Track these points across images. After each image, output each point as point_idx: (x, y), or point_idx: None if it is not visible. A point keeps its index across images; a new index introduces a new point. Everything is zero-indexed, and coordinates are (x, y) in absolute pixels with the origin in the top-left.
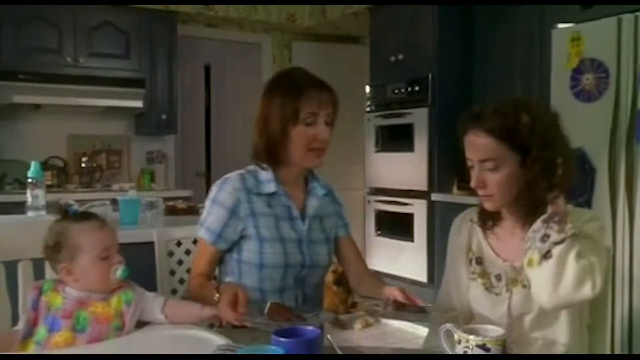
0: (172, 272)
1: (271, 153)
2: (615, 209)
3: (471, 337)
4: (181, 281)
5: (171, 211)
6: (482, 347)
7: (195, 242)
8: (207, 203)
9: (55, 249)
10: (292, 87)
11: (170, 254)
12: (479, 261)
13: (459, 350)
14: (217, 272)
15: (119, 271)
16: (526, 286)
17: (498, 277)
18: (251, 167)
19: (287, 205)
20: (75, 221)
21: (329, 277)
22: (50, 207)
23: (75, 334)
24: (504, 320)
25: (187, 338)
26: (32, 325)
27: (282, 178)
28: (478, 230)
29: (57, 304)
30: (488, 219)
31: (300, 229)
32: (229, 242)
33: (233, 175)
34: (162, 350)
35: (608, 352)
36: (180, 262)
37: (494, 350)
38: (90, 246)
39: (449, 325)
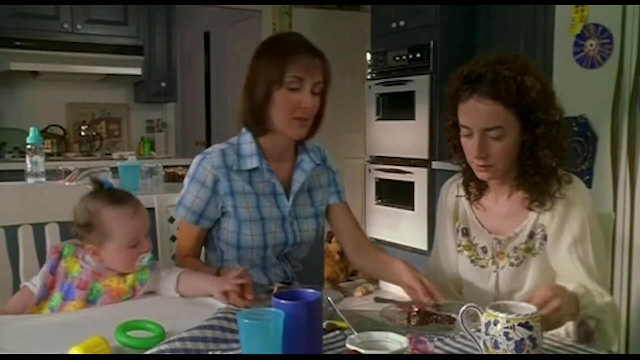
0: (173, 238)
1: (256, 118)
2: (616, 177)
3: (511, 316)
4: None
5: (171, 178)
6: (525, 325)
7: None
8: (186, 180)
9: (85, 228)
10: (280, 49)
11: (171, 219)
12: (465, 232)
13: (497, 332)
14: None
15: (146, 260)
16: (514, 264)
17: (484, 249)
18: (234, 140)
19: (271, 181)
20: (109, 203)
21: (334, 246)
22: (85, 176)
23: (87, 304)
24: (491, 295)
25: (189, 302)
26: (49, 289)
27: (268, 150)
28: (464, 198)
29: (74, 272)
30: (473, 190)
31: (284, 205)
32: (212, 220)
33: (213, 150)
34: (164, 313)
35: None
36: None
37: (536, 327)
38: (121, 235)
39: (471, 306)
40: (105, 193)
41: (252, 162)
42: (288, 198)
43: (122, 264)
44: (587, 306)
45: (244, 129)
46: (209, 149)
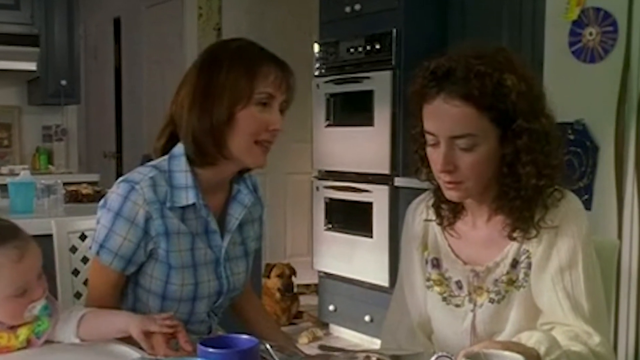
0: (76, 272)
1: (216, 141)
2: (621, 196)
3: None
4: (86, 282)
5: (73, 197)
6: None
7: None
8: (107, 215)
9: None
10: (245, 58)
11: (73, 249)
12: (436, 263)
13: None
14: None
15: (37, 309)
16: (494, 301)
17: (459, 284)
18: (164, 164)
19: (206, 218)
20: None
21: (274, 282)
22: None
23: None
24: (466, 339)
25: (93, 350)
26: None
27: (206, 180)
28: (434, 223)
29: None
30: (446, 213)
31: (216, 245)
32: (138, 265)
33: (141, 179)
34: None
35: None
36: (85, 260)
37: None
38: (4, 285)
39: (443, 355)
40: None
41: (188, 198)
42: (222, 236)
43: (7, 315)
44: None
45: (176, 150)
46: (135, 177)
